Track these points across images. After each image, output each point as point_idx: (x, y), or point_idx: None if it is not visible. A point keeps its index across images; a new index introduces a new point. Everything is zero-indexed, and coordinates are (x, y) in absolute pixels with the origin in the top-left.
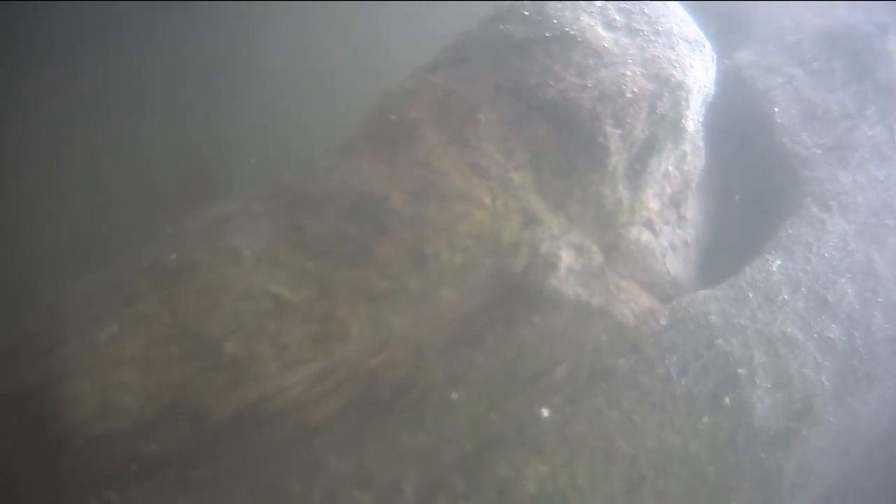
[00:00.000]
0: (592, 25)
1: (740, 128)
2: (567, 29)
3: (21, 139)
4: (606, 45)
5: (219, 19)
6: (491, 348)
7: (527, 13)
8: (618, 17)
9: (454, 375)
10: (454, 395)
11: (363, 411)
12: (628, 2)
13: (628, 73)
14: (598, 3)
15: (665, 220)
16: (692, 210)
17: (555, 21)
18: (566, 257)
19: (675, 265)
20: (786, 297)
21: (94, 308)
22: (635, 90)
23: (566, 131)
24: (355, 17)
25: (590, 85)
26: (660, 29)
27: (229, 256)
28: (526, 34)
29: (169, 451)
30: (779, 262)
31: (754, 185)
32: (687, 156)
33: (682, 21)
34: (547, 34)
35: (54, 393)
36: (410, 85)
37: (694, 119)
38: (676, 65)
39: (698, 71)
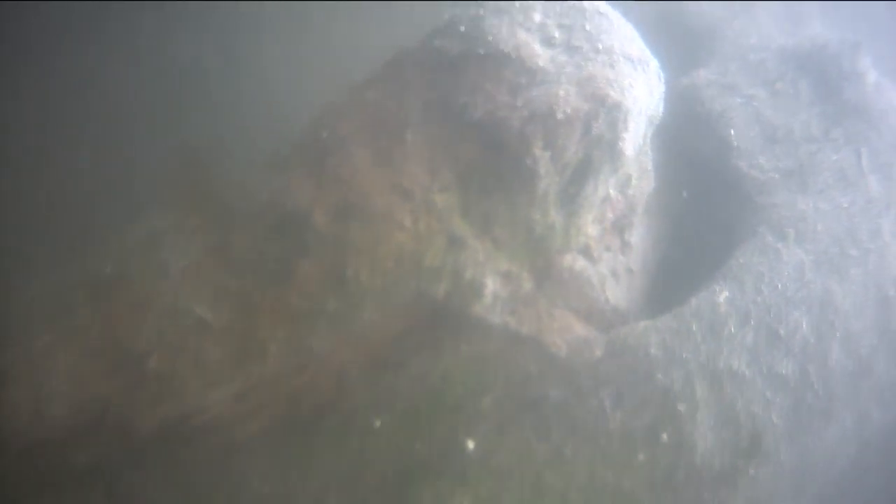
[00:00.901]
0: (528, 42)
1: (695, 150)
2: (502, 46)
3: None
4: (541, 63)
5: (209, 22)
6: (415, 374)
7: (463, 29)
8: (557, 34)
9: (378, 400)
10: (378, 422)
11: (286, 433)
12: (571, 18)
13: (561, 92)
14: (538, 18)
15: (606, 246)
16: (638, 236)
17: (490, 38)
18: (492, 284)
19: (617, 293)
20: (733, 329)
21: (36, 315)
22: (568, 111)
23: (494, 152)
24: (349, 21)
25: (519, 104)
26: (600, 46)
27: (157, 272)
28: (460, 51)
29: (98, 462)
30: (726, 294)
31: (708, 211)
32: (632, 179)
33: (626, 38)
34: (481, 51)
35: None
36: (344, 101)
37: (633, 141)
38: (614, 84)
39: (640, 91)
